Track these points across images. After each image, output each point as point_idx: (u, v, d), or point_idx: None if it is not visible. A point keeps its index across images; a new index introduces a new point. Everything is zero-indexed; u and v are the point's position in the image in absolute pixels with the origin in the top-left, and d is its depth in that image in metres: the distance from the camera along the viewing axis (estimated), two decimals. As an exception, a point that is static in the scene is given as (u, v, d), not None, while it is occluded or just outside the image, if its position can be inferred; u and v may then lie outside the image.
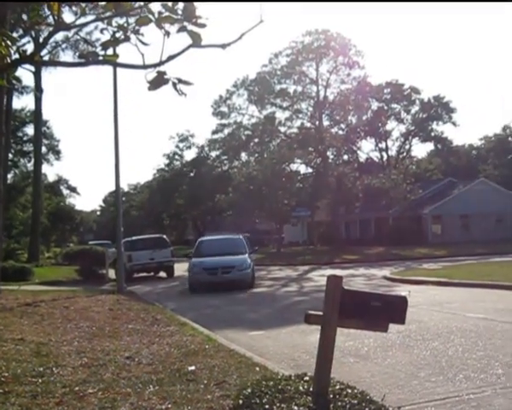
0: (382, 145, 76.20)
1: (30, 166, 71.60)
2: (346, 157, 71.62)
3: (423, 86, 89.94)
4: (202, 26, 4.20)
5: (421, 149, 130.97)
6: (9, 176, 66.61)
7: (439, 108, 72.97)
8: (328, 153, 63.67)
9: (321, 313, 6.07)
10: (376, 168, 69.34)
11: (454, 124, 74.11)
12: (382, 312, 5.99)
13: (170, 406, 6.78)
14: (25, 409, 6.58)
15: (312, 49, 59.80)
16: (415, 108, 73.67)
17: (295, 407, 5.60)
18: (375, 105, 71.70)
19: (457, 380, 8.40)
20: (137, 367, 8.92)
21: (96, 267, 32.96)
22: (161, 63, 4.21)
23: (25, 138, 73.61)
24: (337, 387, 6.17)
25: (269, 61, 63.01)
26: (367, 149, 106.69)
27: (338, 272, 26.91)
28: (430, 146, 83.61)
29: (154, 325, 13.76)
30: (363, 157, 76.87)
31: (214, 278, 24.44)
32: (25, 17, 23.42)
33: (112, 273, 31.22)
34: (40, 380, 7.93)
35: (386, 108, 73.06)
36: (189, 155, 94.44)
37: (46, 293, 21.55)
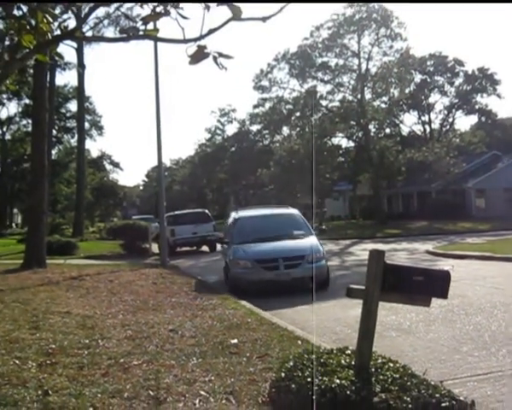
0: (425, 118, 75.40)
1: (73, 141, 72.72)
2: (388, 130, 70.98)
3: (467, 58, 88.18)
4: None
5: (464, 122, 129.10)
6: (53, 152, 67.74)
7: (484, 80, 71.72)
8: (371, 126, 62.98)
9: (363, 287, 6.06)
10: (419, 142, 68.52)
11: (499, 96, 72.98)
12: (425, 286, 5.96)
13: (213, 378, 6.86)
14: (71, 380, 6.72)
15: (354, 21, 58.93)
16: (458, 81, 72.61)
17: (337, 381, 5.63)
18: (418, 77, 70.83)
19: (501, 355, 8.33)
20: (181, 340, 9.03)
21: (139, 242, 33.33)
22: (202, 37, 4.21)
23: (68, 114, 74.67)
24: (379, 361, 6.17)
25: (310, 34, 62.30)
26: (410, 122, 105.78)
27: (380, 246, 26.74)
28: (474, 119, 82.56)
29: (197, 298, 13.88)
30: (405, 130, 76.24)
31: (274, 275, 15.86)
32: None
33: (155, 247, 31.54)
34: (86, 352, 8.09)
35: (429, 80, 72.09)
36: (231, 129, 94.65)
37: (91, 267, 21.90)
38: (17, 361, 7.46)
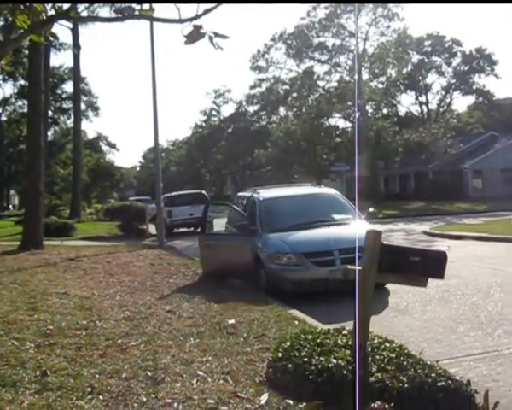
0: (422, 99, 75.31)
1: (69, 123, 72.45)
2: (385, 111, 70.89)
3: (465, 38, 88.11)
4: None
5: (462, 103, 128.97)
6: (49, 133, 67.53)
7: (481, 61, 71.65)
8: (368, 107, 62.92)
9: (359, 267, 6.08)
10: (416, 122, 68.50)
11: (496, 76, 73.07)
12: (421, 266, 5.97)
13: (210, 358, 6.89)
14: (70, 360, 6.74)
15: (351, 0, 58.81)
16: (456, 61, 72.56)
17: (334, 360, 5.66)
18: (415, 58, 70.68)
19: (496, 335, 8.37)
20: (178, 321, 9.06)
21: (136, 223, 33.31)
22: (197, 17, 4.19)
23: (64, 95, 74.36)
24: (375, 341, 6.21)
25: (307, 14, 62.17)
26: (407, 102, 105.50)
27: (377, 226, 26.73)
28: (471, 99, 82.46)
29: (195, 279, 13.90)
30: (402, 111, 76.13)
31: (328, 272, 10.69)
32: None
33: (152, 229, 31.56)
34: (84, 333, 8.12)
35: (426, 60, 71.95)
36: (227, 110, 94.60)
37: (88, 248, 21.91)
38: (15, 342, 7.48)
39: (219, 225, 17.63)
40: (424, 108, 75.51)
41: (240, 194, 17.80)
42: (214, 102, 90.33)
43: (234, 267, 13.78)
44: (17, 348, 7.20)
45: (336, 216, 14.11)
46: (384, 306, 10.63)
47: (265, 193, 15.36)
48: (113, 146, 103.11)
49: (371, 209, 15.29)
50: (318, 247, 12.33)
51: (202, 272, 14.78)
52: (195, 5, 4.15)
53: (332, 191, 15.93)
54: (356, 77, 60.57)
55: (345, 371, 5.45)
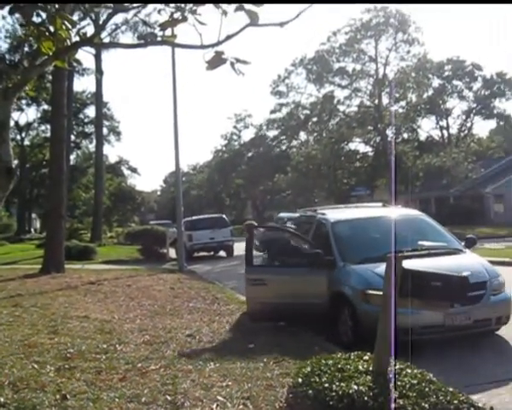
0: (443, 123, 75.01)
1: (92, 147, 72.86)
2: (405, 136, 70.77)
3: (485, 63, 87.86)
4: (260, 4, 4.18)
5: (483, 127, 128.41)
6: (72, 157, 68.09)
7: (502, 85, 71.35)
8: (388, 131, 62.92)
9: (381, 292, 6.04)
10: (437, 147, 68.23)
11: (517, 101, 72.53)
12: (443, 292, 5.93)
13: (230, 383, 6.87)
14: (89, 384, 6.75)
15: (371, 26, 59.00)
16: (477, 85, 72.26)
17: (355, 386, 5.61)
18: (436, 82, 70.63)
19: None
20: (198, 345, 9.04)
21: (157, 247, 33.39)
22: (219, 43, 4.22)
23: (86, 120, 74.86)
24: (397, 366, 6.14)
25: (327, 40, 62.42)
26: (427, 127, 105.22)
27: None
28: (492, 124, 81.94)
29: (215, 303, 13.89)
30: (423, 136, 75.88)
31: (446, 315, 8.97)
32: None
33: (172, 253, 31.61)
34: (104, 356, 8.13)
35: (447, 85, 71.83)
36: (247, 134, 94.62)
37: (109, 272, 21.97)
38: (36, 365, 7.51)
39: (240, 250, 16.16)
40: (445, 132, 75.26)
41: (282, 215, 15.63)
42: (235, 127, 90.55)
43: (298, 309, 10.56)
44: (37, 372, 7.23)
45: (431, 243, 11.38)
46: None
47: (333, 214, 12.67)
48: (134, 170, 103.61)
49: (470, 235, 12.90)
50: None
51: (248, 313, 11.62)
52: (217, 31, 4.19)
53: (417, 213, 13.52)
54: (376, 102, 60.64)
55: (366, 398, 5.40)
